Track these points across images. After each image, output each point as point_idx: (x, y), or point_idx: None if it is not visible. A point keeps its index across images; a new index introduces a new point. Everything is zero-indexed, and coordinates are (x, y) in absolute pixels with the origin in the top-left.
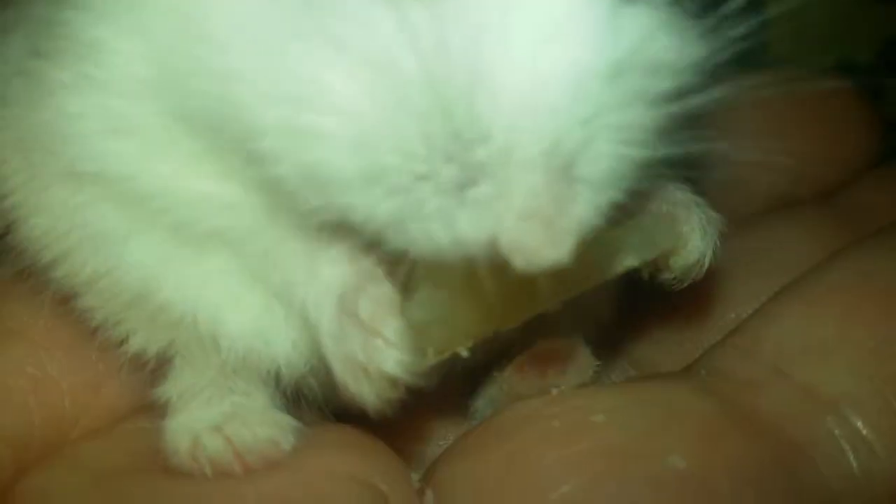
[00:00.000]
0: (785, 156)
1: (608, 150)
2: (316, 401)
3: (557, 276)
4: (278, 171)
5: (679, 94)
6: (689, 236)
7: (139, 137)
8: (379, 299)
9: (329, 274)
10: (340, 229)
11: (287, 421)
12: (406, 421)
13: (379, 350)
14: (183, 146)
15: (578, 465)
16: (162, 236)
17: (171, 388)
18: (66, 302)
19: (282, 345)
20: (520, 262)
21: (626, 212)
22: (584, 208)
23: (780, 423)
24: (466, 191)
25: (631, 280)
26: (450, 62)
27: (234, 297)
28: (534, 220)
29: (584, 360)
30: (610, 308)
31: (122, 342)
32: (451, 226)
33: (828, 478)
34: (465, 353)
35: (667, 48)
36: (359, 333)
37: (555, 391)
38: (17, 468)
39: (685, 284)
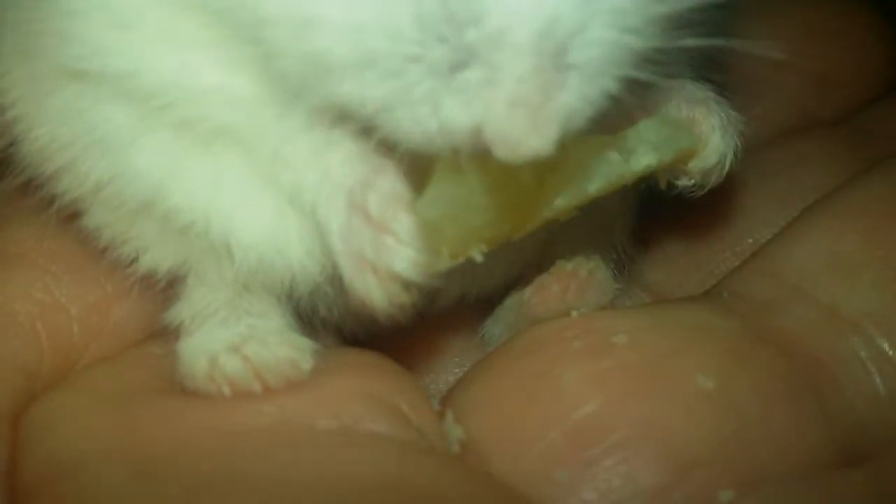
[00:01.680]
0: (803, 75)
1: (603, 35)
2: (332, 322)
3: (567, 173)
4: (280, 60)
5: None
6: (709, 136)
7: (143, 30)
8: (390, 194)
9: (338, 170)
10: (343, 121)
11: (305, 342)
12: (420, 348)
13: (389, 247)
14: (189, 37)
15: (602, 385)
16: (169, 138)
17: (183, 310)
18: (72, 222)
19: (295, 252)
20: (502, 150)
21: (641, 110)
22: (573, 97)
23: (805, 343)
24: (456, 74)
25: (644, 203)
26: None
27: (246, 202)
28: (520, 108)
29: (604, 282)
30: (625, 230)
31: (132, 261)
32: (438, 110)
33: (854, 399)
34: (479, 258)
35: None
36: (368, 229)
37: (574, 313)
38: (28, 395)
39: (705, 190)
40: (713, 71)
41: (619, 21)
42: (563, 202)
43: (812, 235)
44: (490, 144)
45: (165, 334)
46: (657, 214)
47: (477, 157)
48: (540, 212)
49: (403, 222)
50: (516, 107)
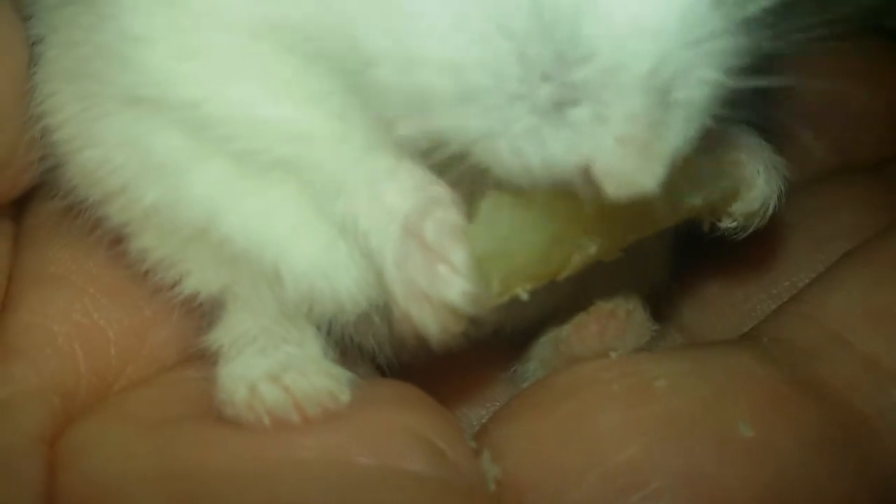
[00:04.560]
0: (844, 118)
1: (707, 75)
2: (368, 351)
3: (620, 215)
4: (380, 95)
5: (766, 27)
6: (754, 180)
7: (210, 60)
8: (447, 223)
9: (394, 198)
10: (423, 153)
11: (343, 373)
12: (453, 380)
13: (443, 277)
14: (261, 73)
15: (642, 430)
16: (226, 166)
17: (222, 336)
18: (113, 245)
19: (344, 282)
20: (612, 187)
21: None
22: (679, 134)
23: (844, 392)
24: (563, 111)
25: (681, 244)
26: None
27: (299, 231)
28: (630, 145)
29: (642, 323)
30: (663, 270)
31: (175, 285)
32: (542, 146)
33: (893, 451)
34: (524, 296)
35: None
36: (423, 258)
37: (613, 354)
38: (65, 417)
39: (747, 233)
40: (758, 118)
41: (721, 62)
42: (609, 241)
43: (852, 282)
44: (599, 182)
45: (201, 358)
46: (694, 255)
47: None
48: (584, 251)
49: (459, 253)
50: (626, 144)
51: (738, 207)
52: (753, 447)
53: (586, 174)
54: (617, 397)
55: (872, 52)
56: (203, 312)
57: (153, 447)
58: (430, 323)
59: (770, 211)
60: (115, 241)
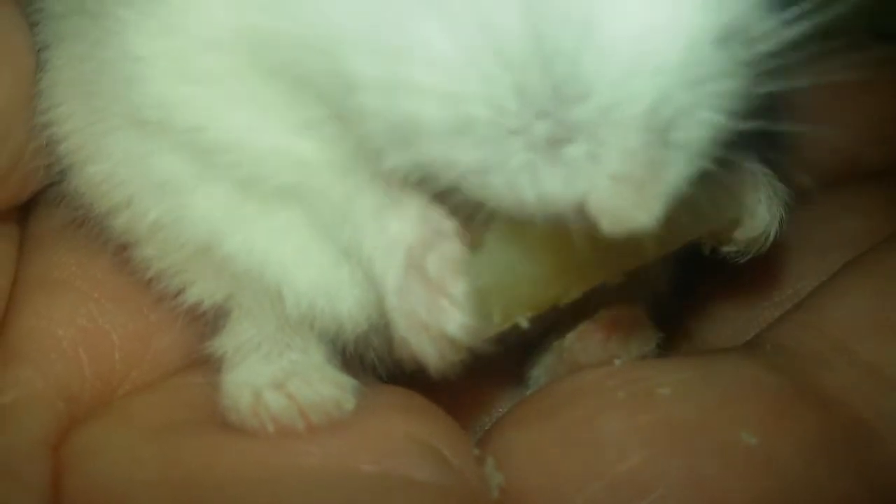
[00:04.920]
0: (848, 126)
1: (707, 117)
2: (373, 362)
3: (622, 245)
4: (367, 126)
5: (770, 68)
6: (755, 208)
7: (212, 86)
8: (448, 257)
9: (398, 229)
10: (417, 184)
11: (347, 380)
12: (459, 388)
13: (443, 310)
14: (258, 98)
15: (646, 438)
16: (230, 188)
17: (227, 342)
18: (118, 252)
19: (345, 302)
20: (607, 224)
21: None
22: (677, 174)
23: (848, 400)
24: (559, 148)
25: (685, 253)
26: (556, 15)
27: (302, 252)
28: (626, 183)
29: (647, 331)
30: (666, 280)
31: (178, 293)
32: (537, 182)
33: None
34: (524, 324)
35: (766, 19)
36: (424, 290)
37: (617, 362)
38: (69, 421)
39: (748, 258)
40: (758, 144)
41: (723, 103)
42: (610, 269)
43: (855, 291)
44: (594, 218)
45: (205, 363)
46: (697, 263)
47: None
48: (585, 278)
49: (459, 287)
50: (622, 182)
51: (740, 234)
52: (757, 455)
53: (581, 210)
54: (621, 405)
55: (876, 58)
56: (207, 319)
57: (157, 452)
58: (429, 353)
59: (771, 238)
60: (120, 248)
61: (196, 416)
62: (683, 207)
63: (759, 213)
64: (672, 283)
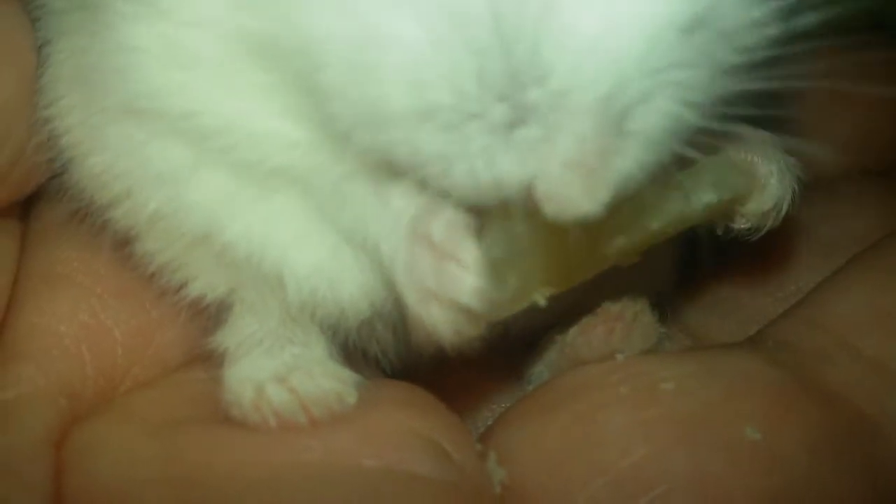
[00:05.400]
0: (851, 122)
1: (665, 107)
2: (375, 356)
3: (627, 214)
4: (333, 106)
5: (748, 67)
6: (767, 180)
7: (203, 71)
8: (453, 220)
9: (400, 204)
10: (391, 170)
11: (349, 374)
12: (458, 382)
13: (452, 275)
14: (248, 81)
15: (649, 433)
16: (227, 174)
17: (228, 337)
18: (120, 247)
19: (347, 287)
20: (551, 209)
21: (699, 152)
22: (629, 164)
23: (851, 396)
24: (514, 131)
25: (688, 247)
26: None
27: (302, 236)
28: (575, 169)
29: (649, 326)
30: (670, 273)
31: (181, 288)
32: (492, 165)
33: None
34: (542, 301)
35: (741, 14)
36: (431, 257)
37: (620, 357)
38: (71, 418)
39: (761, 234)
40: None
41: (683, 95)
42: (624, 242)
43: (858, 287)
44: (540, 202)
45: (207, 359)
46: (700, 258)
47: (527, 209)
48: (601, 254)
49: (468, 250)
50: (571, 168)
51: (751, 208)
52: (760, 450)
53: (528, 194)
54: (623, 399)
55: (878, 54)
56: (209, 314)
57: (159, 448)
58: (443, 326)
59: (783, 211)
60: (122, 243)
61: (198, 413)
62: (688, 180)
63: (771, 185)
64: (676, 277)
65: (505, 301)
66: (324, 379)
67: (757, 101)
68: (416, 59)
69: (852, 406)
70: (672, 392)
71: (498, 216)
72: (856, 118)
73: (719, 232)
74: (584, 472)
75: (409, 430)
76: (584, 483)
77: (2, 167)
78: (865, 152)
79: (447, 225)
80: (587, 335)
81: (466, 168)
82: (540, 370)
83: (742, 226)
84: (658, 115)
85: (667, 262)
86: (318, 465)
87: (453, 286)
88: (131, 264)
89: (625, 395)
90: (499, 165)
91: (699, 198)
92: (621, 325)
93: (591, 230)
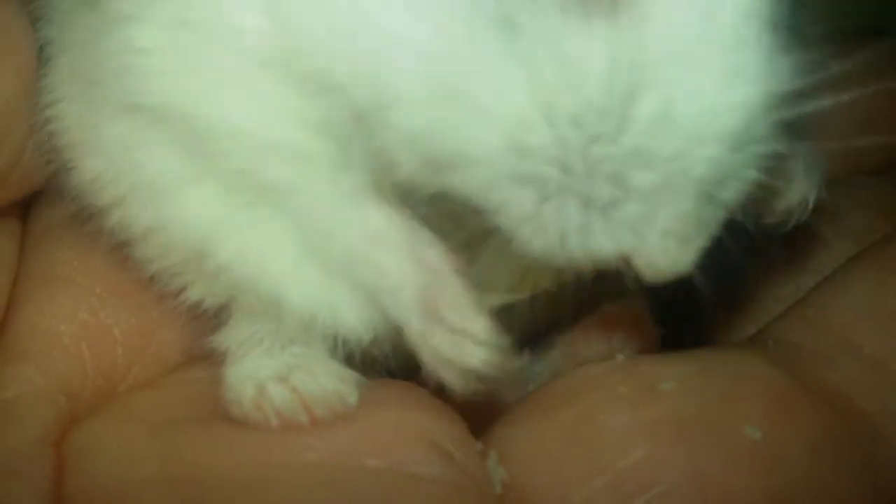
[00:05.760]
0: (850, 122)
1: (749, 176)
2: (377, 357)
3: None
4: (396, 149)
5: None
6: (793, 174)
7: (211, 76)
8: (460, 302)
9: (397, 272)
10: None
11: (350, 374)
12: None
13: (468, 348)
14: (267, 95)
15: (648, 433)
16: (218, 192)
17: (230, 337)
18: (120, 248)
19: (347, 318)
20: (650, 275)
21: None
22: (715, 226)
23: (851, 395)
24: (614, 209)
25: None
26: (634, 83)
27: (297, 267)
28: (672, 239)
29: (649, 327)
30: None
31: (179, 292)
32: (588, 239)
33: None
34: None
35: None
36: (445, 334)
37: (619, 357)
38: (70, 417)
39: (788, 227)
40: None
41: (763, 163)
42: None
43: (858, 286)
44: (638, 270)
45: (208, 358)
46: (700, 259)
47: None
48: None
49: (480, 324)
50: (669, 238)
51: (779, 203)
52: (760, 450)
53: (626, 262)
54: (623, 399)
55: (877, 54)
56: (210, 314)
57: (159, 448)
58: (456, 383)
59: (810, 205)
60: (121, 244)
61: (198, 412)
62: None
63: (797, 180)
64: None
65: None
66: (325, 378)
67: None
68: (520, 120)
69: (852, 405)
70: (672, 392)
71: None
72: (853, 117)
73: (749, 226)
74: (583, 471)
75: (411, 429)
76: (583, 482)
77: (1, 168)
78: (863, 153)
79: (455, 301)
80: (588, 336)
81: (558, 238)
82: (542, 370)
83: (770, 220)
84: (742, 184)
85: None
86: (319, 465)
87: (469, 357)
88: (131, 265)
89: (625, 395)
90: (594, 240)
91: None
92: (621, 326)
93: None
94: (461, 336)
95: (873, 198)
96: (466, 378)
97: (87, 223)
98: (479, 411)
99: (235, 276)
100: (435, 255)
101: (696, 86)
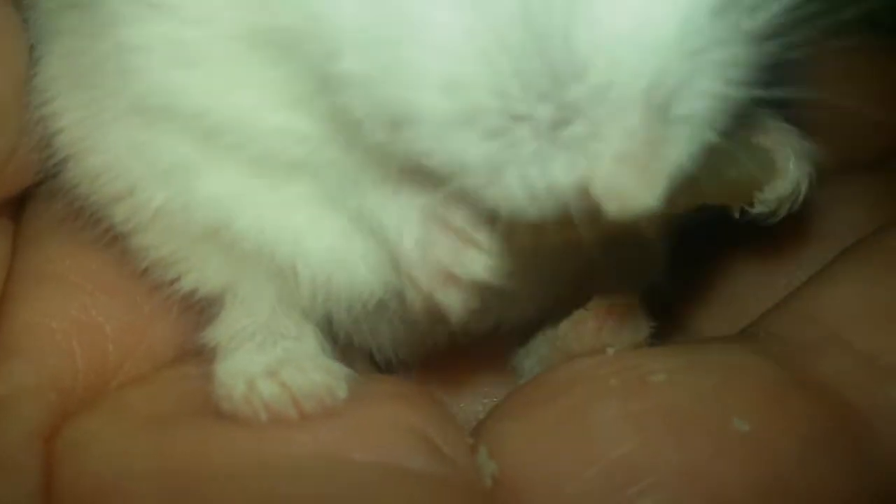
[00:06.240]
0: (842, 117)
1: (709, 87)
2: (365, 348)
3: None
4: (349, 99)
5: (773, 35)
6: (785, 165)
7: (209, 69)
8: (466, 214)
9: (411, 189)
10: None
11: (340, 368)
12: (449, 376)
13: (469, 255)
14: (256, 76)
15: (639, 425)
16: (237, 168)
17: (220, 332)
18: (112, 243)
19: (360, 271)
20: (613, 207)
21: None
22: (680, 150)
23: (841, 388)
24: (560, 131)
25: (679, 240)
26: None
27: (313, 224)
28: (628, 163)
29: (640, 320)
30: (661, 267)
31: (173, 282)
32: (545, 170)
33: (890, 448)
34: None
35: None
36: (448, 239)
37: (610, 350)
38: (61, 414)
39: (778, 218)
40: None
41: (725, 73)
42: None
43: (849, 280)
44: (599, 201)
45: (198, 354)
46: (691, 252)
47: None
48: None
49: (482, 234)
50: (623, 162)
51: (770, 193)
52: (749, 442)
53: (585, 196)
54: (614, 392)
55: (870, 50)
56: (201, 309)
57: (150, 443)
58: (455, 302)
59: (802, 196)
60: (115, 239)
61: (189, 408)
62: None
63: (789, 170)
64: (667, 270)
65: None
66: (315, 373)
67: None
68: (452, 57)
69: (842, 399)
70: (662, 385)
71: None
72: (846, 114)
73: (736, 216)
74: (574, 463)
75: (400, 423)
76: (574, 474)
77: None
78: (855, 147)
79: (461, 212)
80: (578, 329)
81: (518, 176)
82: (532, 364)
83: (761, 211)
84: (703, 97)
85: (658, 255)
86: (308, 459)
87: (471, 265)
88: (124, 260)
89: (615, 388)
90: (551, 170)
91: (719, 173)
92: (612, 319)
93: None
94: (464, 241)
95: (866, 191)
96: (464, 293)
97: (81, 219)
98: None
99: (251, 245)
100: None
101: None
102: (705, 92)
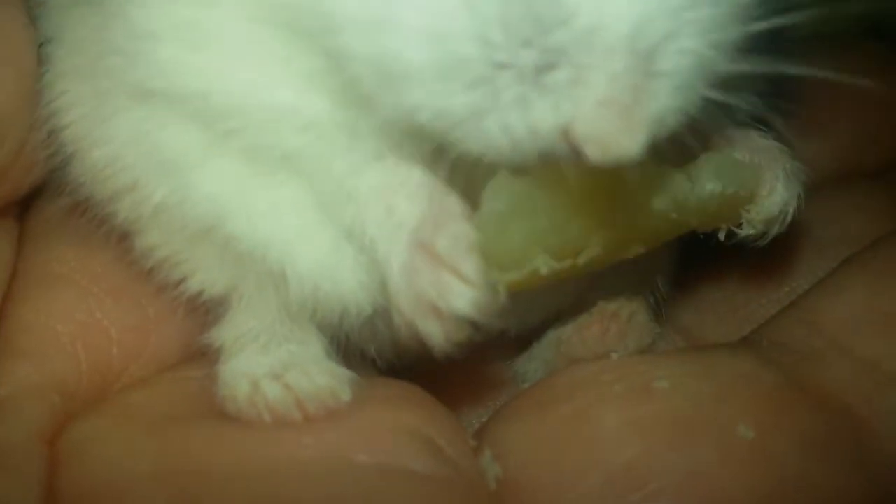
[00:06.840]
0: (846, 126)
1: (692, 45)
2: (371, 354)
3: (635, 193)
4: (353, 69)
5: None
6: (773, 184)
7: (216, 49)
8: (458, 235)
9: (405, 209)
10: (415, 140)
11: (344, 372)
12: (453, 380)
13: (453, 287)
14: (261, 54)
15: (642, 430)
16: (235, 164)
17: (225, 333)
18: (117, 244)
19: (349, 285)
20: (594, 152)
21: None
22: (662, 103)
23: (843, 396)
24: (543, 76)
25: (684, 248)
26: None
27: (305, 232)
28: (610, 108)
29: (644, 325)
30: (666, 274)
31: (179, 283)
32: (527, 115)
33: (891, 453)
34: (544, 270)
35: None
36: (432, 269)
37: (614, 356)
38: (65, 416)
39: (766, 240)
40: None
41: (707, 34)
42: (627, 217)
43: (852, 288)
44: (580, 145)
45: (203, 356)
46: (696, 259)
47: (564, 163)
48: (590, 249)
49: (471, 263)
50: (606, 106)
51: (758, 213)
52: (753, 449)
53: (568, 139)
54: (617, 398)
55: (875, 56)
56: (206, 310)
57: (154, 445)
58: (437, 333)
59: (790, 216)
60: (120, 239)
61: (193, 410)
62: (698, 167)
63: (777, 190)
64: (672, 277)
65: (509, 262)
66: (319, 376)
67: (762, 87)
68: (433, 9)
69: (845, 406)
70: (666, 391)
71: (485, 196)
72: (851, 120)
73: (722, 237)
74: (577, 468)
75: (403, 426)
76: (577, 480)
77: (1, 164)
78: (858, 156)
79: (452, 238)
80: (582, 334)
81: (500, 122)
82: (536, 368)
83: (748, 231)
84: (685, 55)
85: (663, 262)
86: (311, 461)
87: (453, 298)
88: (129, 261)
89: (619, 394)
90: (533, 114)
91: (703, 185)
92: (616, 324)
93: (594, 199)
94: (448, 273)
95: (868, 200)
96: (446, 326)
97: (86, 218)
98: (473, 409)
99: (243, 247)
100: (452, 202)
101: None
102: (688, 49)
